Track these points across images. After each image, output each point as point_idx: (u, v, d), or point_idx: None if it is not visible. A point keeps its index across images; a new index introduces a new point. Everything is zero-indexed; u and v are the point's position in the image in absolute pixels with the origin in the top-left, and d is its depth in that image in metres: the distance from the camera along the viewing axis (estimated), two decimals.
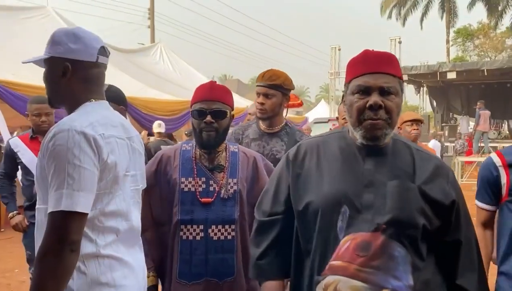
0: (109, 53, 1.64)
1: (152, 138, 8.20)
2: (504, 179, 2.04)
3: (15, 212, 3.63)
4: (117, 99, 2.39)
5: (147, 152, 2.14)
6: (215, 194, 2.04)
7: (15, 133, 8.27)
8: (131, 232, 1.59)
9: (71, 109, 1.55)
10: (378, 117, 1.41)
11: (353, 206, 1.41)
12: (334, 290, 1.37)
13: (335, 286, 1.37)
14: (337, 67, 21.88)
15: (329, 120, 11.85)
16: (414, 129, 3.81)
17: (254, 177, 2.15)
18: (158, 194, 2.09)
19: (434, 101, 23.77)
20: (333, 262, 1.39)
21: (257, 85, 2.59)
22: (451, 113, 23.70)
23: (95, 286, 1.43)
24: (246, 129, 2.68)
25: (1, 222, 7.87)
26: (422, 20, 32.65)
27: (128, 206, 1.57)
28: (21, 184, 3.69)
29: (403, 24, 32.77)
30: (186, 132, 9.62)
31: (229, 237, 2.03)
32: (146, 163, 1.87)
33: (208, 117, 2.01)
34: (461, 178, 13.71)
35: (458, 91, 22.47)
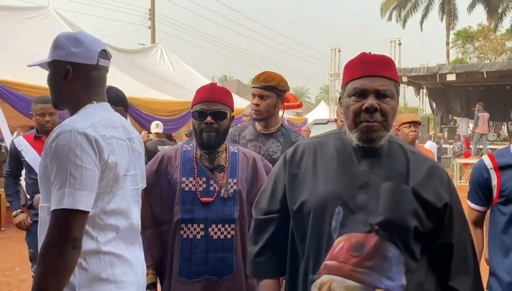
0: (111, 56, 1.68)
1: (151, 136, 8.22)
2: (494, 181, 2.07)
3: (18, 210, 3.67)
4: (116, 100, 2.42)
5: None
6: (215, 194, 2.07)
7: (15, 133, 8.30)
8: (131, 230, 1.64)
9: (73, 111, 1.59)
10: (374, 120, 1.43)
11: (347, 206, 1.43)
12: (329, 289, 1.39)
13: (329, 286, 1.39)
14: (337, 68, 21.90)
15: (328, 121, 11.84)
16: (412, 131, 3.82)
17: (254, 177, 2.18)
18: (159, 193, 2.12)
19: (434, 103, 23.79)
20: (328, 262, 1.41)
21: (253, 87, 2.63)
22: (450, 115, 23.72)
23: (96, 282, 1.48)
24: (243, 131, 2.72)
25: (2, 221, 7.90)
26: (422, 22, 32.62)
27: (128, 204, 1.62)
28: (24, 182, 3.73)
29: (403, 26, 32.76)
30: (186, 132, 9.66)
31: (229, 236, 2.07)
32: (146, 163, 1.90)
33: (209, 118, 2.05)
34: (460, 179, 13.73)
35: (458, 93, 22.49)
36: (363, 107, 1.43)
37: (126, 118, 2.66)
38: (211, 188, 2.08)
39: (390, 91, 1.46)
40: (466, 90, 22.11)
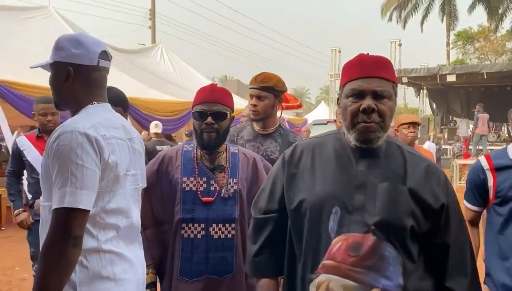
0: (111, 57, 1.70)
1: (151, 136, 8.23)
2: (491, 182, 2.09)
3: (20, 209, 3.70)
4: (115, 100, 2.44)
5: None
6: (216, 194, 2.09)
7: (16, 132, 8.32)
8: (131, 229, 1.66)
9: (74, 111, 1.62)
10: (371, 121, 1.44)
11: (344, 206, 1.44)
12: (326, 288, 1.40)
13: (327, 285, 1.40)
14: (337, 69, 21.90)
15: (328, 122, 11.86)
16: (411, 132, 3.83)
17: (254, 177, 2.20)
18: (160, 193, 2.13)
19: (434, 104, 23.82)
20: (326, 261, 1.42)
21: (250, 88, 2.65)
22: (450, 116, 23.75)
23: (96, 280, 1.50)
24: (241, 131, 2.74)
25: (2, 220, 7.92)
26: (422, 22, 32.65)
27: (128, 204, 1.64)
28: (26, 181, 3.76)
29: (404, 26, 32.77)
30: (186, 132, 9.67)
31: (229, 235, 2.08)
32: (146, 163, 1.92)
33: (209, 119, 2.06)
34: (459, 180, 13.74)
35: (458, 94, 22.52)
36: (361, 108, 1.44)
37: (126, 118, 2.67)
38: (212, 188, 2.10)
39: (388, 92, 1.47)
40: (466, 91, 22.13)
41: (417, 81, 21.63)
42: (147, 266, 1.94)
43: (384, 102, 1.46)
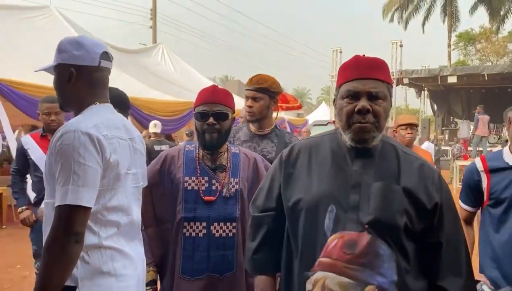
0: (112, 58, 1.75)
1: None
2: (485, 184, 2.12)
3: (24, 207, 3.75)
4: (114, 100, 2.47)
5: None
6: (218, 193, 2.12)
7: (17, 131, 8.36)
8: (132, 226, 1.70)
9: (77, 112, 1.66)
10: (366, 121, 1.47)
11: (340, 205, 1.46)
12: (323, 285, 1.42)
13: (323, 282, 1.43)
14: (338, 69, 21.88)
15: (328, 123, 11.87)
16: (408, 133, 3.84)
17: (255, 177, 2.23)
18: (162, 192, 2.16)
19: (435, 105, 23.82)
20: (322, 259, 1.45)
21: (246, 89, 2.69)
22: (451, 117, 23.73)
23: (97, 275, 1.54)
24: (237, 132, 2.76)
25: (3, 219, 7.95)
26: (424, 23, 32.61)
27: (129, 202, 1.68)
28: (30, 180, 3.81)
29: (405, 27, 32.71)
30: (186, 132, 9.69)
31: (230, 234, 2.11)
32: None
33: (211, 119, 2.09)
34: (459, 181, 13.74)
35: (459, 95, 22.53)
36: (356, 109, 1.47)
37: (127, 118, 2.70)
38: (213, 187, 2.13)
39: (382, 93, 1.50)
40: (467, 92, 22.13)
41: (418, 82, 21.64)
42: (148, 264, 1.97)
43: (379, 103, 1.49)
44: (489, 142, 16.48)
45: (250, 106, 2.63)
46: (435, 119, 24.02)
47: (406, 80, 20.68)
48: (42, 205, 1.78)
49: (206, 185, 2.13)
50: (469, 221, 2.30)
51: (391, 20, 32.77)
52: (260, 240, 1.71)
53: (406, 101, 30.61)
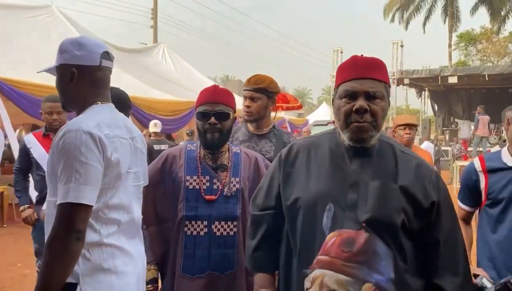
0: (113, 57, 1.77)
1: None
2: (483, 184, 2.13)
3: (26, 205, 3.78)
4: (115, 100, 2.49)
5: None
6: (219, 192, 2.14)
7: (17, 130, 8.37)
8: (132, 224, 1.72)
9: (79, 111, 1.68)
10: (364, 121, 1.49)
11: (338, 204, 1.48)
12: (321, 283, 1.44)
13: (321, 280, 1.45)
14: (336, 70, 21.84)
15: (328, 123, 11.89)
16: (407, 133, 3.84)
17: (256, 176, 2.25)
18: (163, 191, 2.18)
19: (436, 105, 23.81)
20: (320, 257, 1.47)
21: (244, 90, 2.71)
22: (452, 118, 23.72)
23: (98, 272, 1.56)
24: (236, 132, 2.78)
25: (4, 218, 7.97)
26: (424, 24, 32.52)
27: (130, 200, 1.70)
28: (32, 179, 3.84)
29: (406, 27, 32.64)
30: (187, 131, 9.71)
31: (231, 233, 2.13)
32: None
33: (212, 119, 2.11)
34: (459, 182, 13.73)
35: (460, 95, 22.52)
36: (354, 109, 1.49)
37: (127, 117, 2.72)
38: (215, 186, 2.15)
39: (380, 92, 1.52)
40: (468, 92, 22.13)
41: (419, 83, 21.64)
42: (149, 262, 1.99)
43: (377, 103, 1.51)
44: (489, 143, 16.47)
45: (248, 106, 2.65)
46: (435, 120, 24.02)
47: (406, 81, 20.68)
48: (44, 206, 1.80)
49: (207, 184, 2.14)
50: (467, 220, 2.31)
51: (392, 20, 32.72)
52: (259, 238, 1.73)
53: (406, 101, 30.57)
